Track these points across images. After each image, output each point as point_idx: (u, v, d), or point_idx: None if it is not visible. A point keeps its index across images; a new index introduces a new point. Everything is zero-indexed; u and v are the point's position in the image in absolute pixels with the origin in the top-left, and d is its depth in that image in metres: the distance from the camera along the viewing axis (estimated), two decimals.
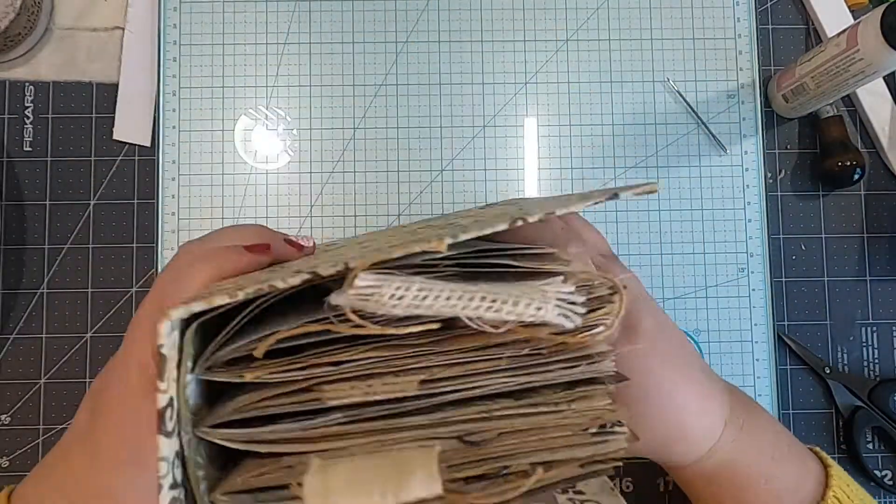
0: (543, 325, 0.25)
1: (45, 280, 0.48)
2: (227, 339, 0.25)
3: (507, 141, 0.51)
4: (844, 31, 0.43)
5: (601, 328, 0.26)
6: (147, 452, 0.27)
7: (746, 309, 0.50)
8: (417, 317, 0.24)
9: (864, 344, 0.50)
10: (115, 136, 0.50)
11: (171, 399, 0.24)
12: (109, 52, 0.50)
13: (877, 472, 0.48)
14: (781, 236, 0.50)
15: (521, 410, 0.26)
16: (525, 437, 0.26)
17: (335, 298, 0.22)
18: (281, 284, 0.23)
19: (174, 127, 0.50)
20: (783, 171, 0.51)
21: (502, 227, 0.25)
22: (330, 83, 0.51)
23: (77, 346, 0.48)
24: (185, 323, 0.24)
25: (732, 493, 0.36)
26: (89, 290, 0.49)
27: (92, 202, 0.49)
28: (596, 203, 0.27)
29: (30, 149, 0.49)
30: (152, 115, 0.50)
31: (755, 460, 0.36)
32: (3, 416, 0.47)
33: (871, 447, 0.49)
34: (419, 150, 0.50)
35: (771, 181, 0.51)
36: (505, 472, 0.26)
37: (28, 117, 0.49)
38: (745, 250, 0.50)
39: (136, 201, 0.49)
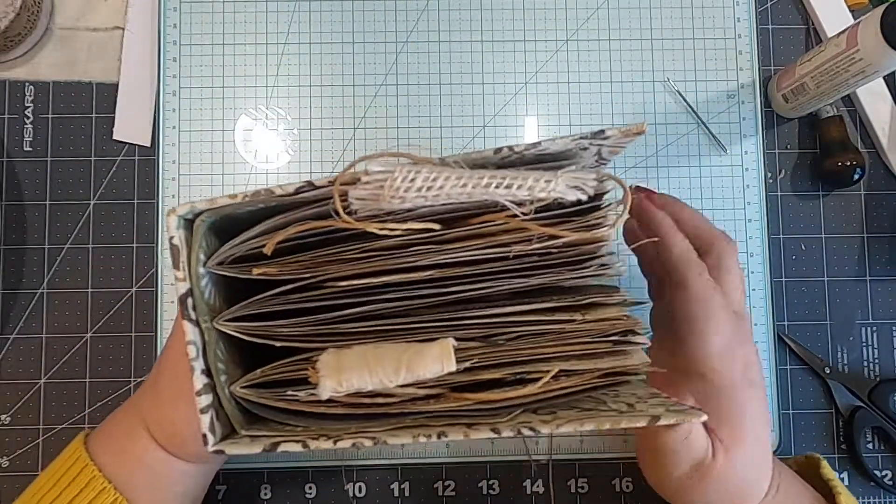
0: (557, 218, 0.25)
1: (45, 280, 0.48)
2: (240, 243, 0.26)
3: (507, 141, 0.51)
4: (844, 31, 0.43)
5: (605, 225, 0.26)
6: (191, 391, 0.32)
7: (746, 309, 0.49)
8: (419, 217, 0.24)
9: (864, 344, 0.50)
10: (115, 136, 0.50)
11: (190, 289, 0.26)
12: (109, 52, 0.50)
13: (877, 472, 0.48)
14: (781, 236, 0.50)
15: (536, 317, 0.27)
16: (543, 341, 0.27)
17: (353, 192, 0.23)
18: (279, 191, 0.25)
19: (174, 127, 0.50)
20: (783, 171, 0.51)
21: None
22: (330, 83, 0.51)
23: (77, 346, 0.48)
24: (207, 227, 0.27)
25: None
26: (89, 290, 0.48)
27: (92, 202, 0.49)
28: (581, 139, 0.26)
29: (30, 149, 0.49)
30: (152, 115, 0.50)
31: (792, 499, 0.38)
32: (3, 416, 0.47)
33: (871, 447, 0.49)
34: (419, 150, 0.50)
35: (771, 181, 0.51)
36: (521, 376, 0.27)
37: (28, 117, 0.49)
38: (745, 250, 0.50)
39: (136, 201, 0.49)
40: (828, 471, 0.42)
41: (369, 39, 0.51)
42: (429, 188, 0.22)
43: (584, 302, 0.28)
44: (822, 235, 0.51)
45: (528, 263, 0.26)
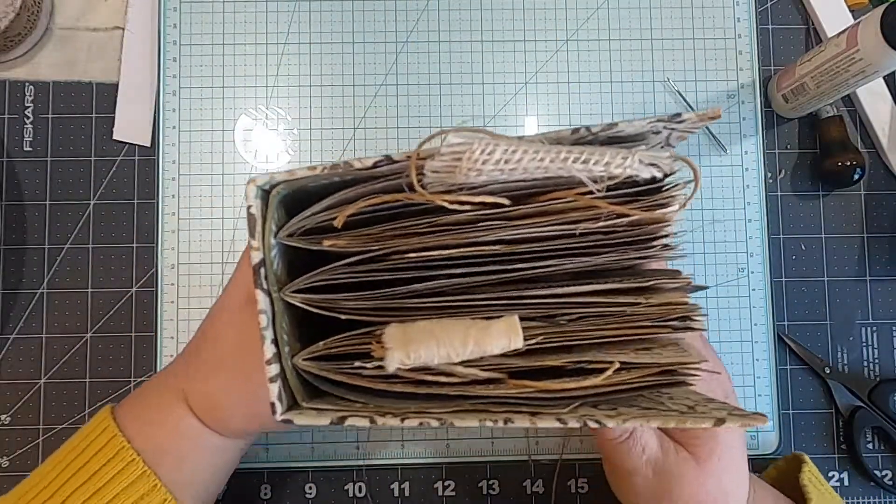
0: (629, 196, 0.25)
1: (45, 280, 0.48)
2: (311, 216, 0.26)
3: None
4: (844, 31, 0.43)
5: (673, 204, 0.26)
6: (234, 360, 0.33)
7: (746, 309, 0.50)
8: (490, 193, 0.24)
9: (864, 344, 0.50)
10: (115, 136, 0.50)
11: (263, 259, 0.26)
12: (109, 52, 0.50)
13: (877, 472, 0.48)
14: (781, 236, 0.50)
15: (599, 298, 0.27)
16: (604, 323, 0.27)
17: (429, 164, 0.23)
18: (357, 164, 0.25)
19: (174, 127, 0.50)
20: (783, 171, 0.51)
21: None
22: (330, 83, 0.51)
23: (77, 346, 0.48)
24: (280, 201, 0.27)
25: None
26: (89, 290, 0.49)
27: (92, 202, 0.49)
28: (658, 122, 0.26)
29: (30, 149, 0.49)
30: (152, 115, 0.50)
31: None
32: (3, 416, 0.47)
33: (871, 447, 0.49)
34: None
35: (771, 181, 0.51)
36: (582, 366, 0.27)
37: (28, 117, 0.49)
38: (745, 250, 0.50)
39: (136, 201, 0.49)
40: (806, 476, 0.42)
41: (369, 39, 0.51)
42: (507, 161, 0.22)
43: (647, 284, 0.28)
44: (822, 235, 0.51)
45: (593, 242, 0.26)
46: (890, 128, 0.50)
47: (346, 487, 0.48)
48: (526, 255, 0.26)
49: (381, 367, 0.25)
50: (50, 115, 0.50)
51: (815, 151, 0.51)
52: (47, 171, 0.49)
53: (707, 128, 0.51)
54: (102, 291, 0.49)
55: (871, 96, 0.51)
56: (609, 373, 0.25)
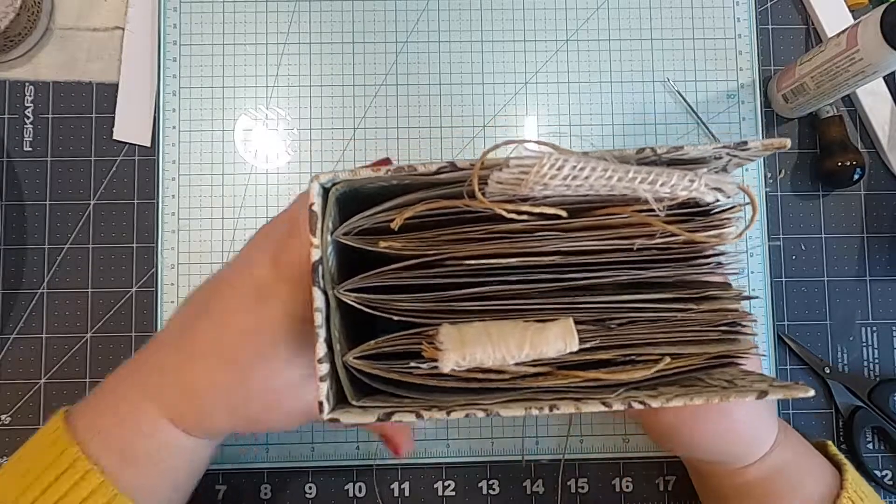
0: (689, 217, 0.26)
1: (45, 280, 0.48)
2: (369, 216, 0.27)
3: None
4: (844, 31, 0.43)
5: (730, 228, 0.27)
6: (233, 348, 0.30)
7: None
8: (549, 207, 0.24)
9: (864, 344, 0.50)
10: (115, 136, 0.50)
11: (321, 257, 0.26)
12: (109, 52, 0.50)
13: (877, 472, 0.48)
14: (781, 236, 0.50)
15: (650, 305, 0.27)
16: (655, 327, 0.27)
17: (496, 175, 0.23)
18: (421, 168, 0.26)
19: (174, 127, 0.50)
20: (783, 171, 0.51)
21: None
22: (330, 83, 0.51)
23: (77, 346, 0.48)
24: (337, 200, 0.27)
25: (782, 491, 0.38)
26: (89, 290, 0.49)
27: (92, 202, 0.49)
28: (723, 148, 0.26)
29: (30, 149, 0.49)
30: (152, 115, 0.50)
31: (799, 457, 0.39)
32: (3, 416, 0.47)
33: (871, 447, 0.49)
34: (419, 150, 0.50)
35: (771, 181, 0.51)
36: (631, 357, 0.27)
37: (28, 117, 0.49)
38: (745, 250, 0.50)
39: (136, 201, 0.49)
40: (836, 449, 0.43)
41: (369, 39, 0.51)
42: (574, 177, 0.23)
43: (700, 295, 0.28)
44: (822, 235, 0.51)
45: (648, 256, 0.27)
46: (890, 128, 0.50)
47: (346, 487, 0.48)
48: (579, 266, 0.26)
49: (435, 368, 0.25)
50: (50, 115, 0.50)
51: (815, 151, 0.51)
52: (47, 171, 0.49)
53: (707, 128, 0.51)
54: (102, 291, 0.49)
55: (871, 96, 0.51)
56: (661, 366, 0.26)
